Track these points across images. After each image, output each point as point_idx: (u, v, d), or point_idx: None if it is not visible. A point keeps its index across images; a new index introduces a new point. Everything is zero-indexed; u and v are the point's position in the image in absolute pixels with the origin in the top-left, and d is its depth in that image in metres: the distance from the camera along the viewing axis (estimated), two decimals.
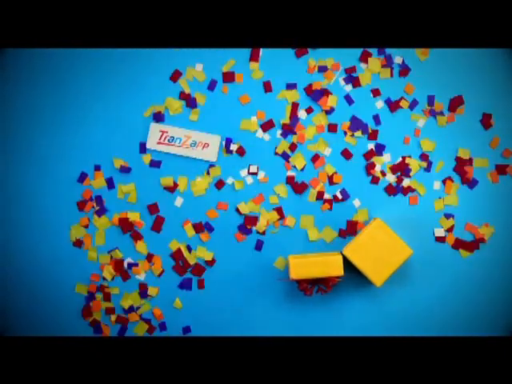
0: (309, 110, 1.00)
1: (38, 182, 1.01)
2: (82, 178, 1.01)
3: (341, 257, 0.95)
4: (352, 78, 1.00)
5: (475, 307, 1.01)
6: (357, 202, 1.01)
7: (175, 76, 1.00)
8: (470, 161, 1.00)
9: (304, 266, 0.94)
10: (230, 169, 1.00)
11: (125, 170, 1.00)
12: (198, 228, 1.00)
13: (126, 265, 0.99)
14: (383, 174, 1.00)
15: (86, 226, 1.00)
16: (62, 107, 1.01)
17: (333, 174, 1.00)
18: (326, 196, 1.00)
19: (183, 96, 1.00)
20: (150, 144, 0.99)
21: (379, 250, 0.95)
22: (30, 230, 1.01)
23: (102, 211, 1.00)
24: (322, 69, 1.00)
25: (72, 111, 1.01)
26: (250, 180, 1.00)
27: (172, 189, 1.00)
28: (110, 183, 1.00)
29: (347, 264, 0.98)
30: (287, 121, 1.00)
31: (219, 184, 1.00)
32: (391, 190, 1.00)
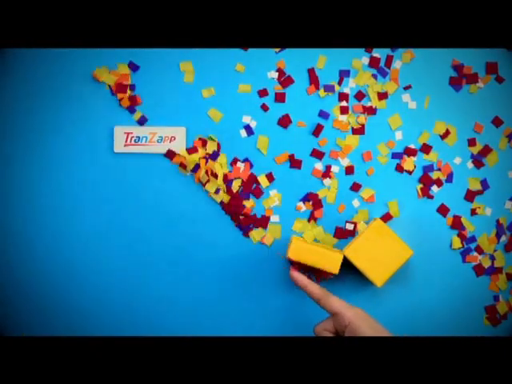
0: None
1: (40, 181, 1.01)
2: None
3: (341, 256, 0.94)
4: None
5: (475, 307, 1.01)
6: (356, 203, 1.01)
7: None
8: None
9: (303, 251, 0.94)
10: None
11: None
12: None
13: None
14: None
15: None
16: (62, 107, 1.01)
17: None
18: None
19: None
20: (118, 148, 0.99)
21: (379, 251, 0.95)
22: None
23: None
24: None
25: (73, 111, 1.01)
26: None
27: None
28: None
29: (347, 264, 0.98)
30: None
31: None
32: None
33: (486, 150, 1.00)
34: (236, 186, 1.00)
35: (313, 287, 0.88)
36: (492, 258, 1.00)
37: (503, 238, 1.00)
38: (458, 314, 1.00)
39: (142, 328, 1.02)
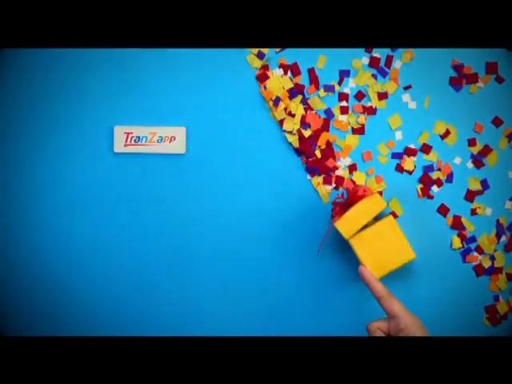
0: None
1: (40, 181, 1.01)
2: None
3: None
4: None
5: (475, 307, 1.01)
6: None
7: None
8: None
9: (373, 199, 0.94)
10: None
11: None
12: None
13: None
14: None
15: None
16: (63, 107, 1.01)
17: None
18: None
19: None
20: (118, 147, 0.99)
21: (384, 246, 0.94)
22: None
23: None
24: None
25: (73, 111, 1.01)
26: None
27: None
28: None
29: (346, 259, 0.98)
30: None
31: None
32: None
33: (486, 150, 1.00)
34: (307, 133, 0.99)
35: (377, 285, 0.89)
36: (492, 257, 1.00)
37: (503, 238, 1.00)
38: (457, 314, 1.00)
39: (142, 328, 1.02)
